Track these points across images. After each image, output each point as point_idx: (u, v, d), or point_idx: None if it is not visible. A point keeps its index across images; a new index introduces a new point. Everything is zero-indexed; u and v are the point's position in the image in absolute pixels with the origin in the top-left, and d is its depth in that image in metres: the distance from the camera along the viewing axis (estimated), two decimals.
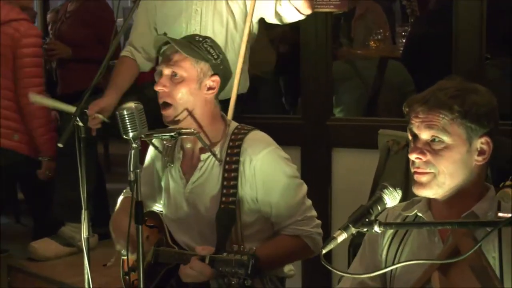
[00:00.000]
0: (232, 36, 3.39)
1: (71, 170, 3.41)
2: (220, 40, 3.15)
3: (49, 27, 5.48)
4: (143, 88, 3.48)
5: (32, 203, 4.50)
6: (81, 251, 2.61)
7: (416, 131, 2.01)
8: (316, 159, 3.91)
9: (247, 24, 3.28)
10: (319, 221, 2.62)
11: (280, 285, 2.70)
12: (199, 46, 2.55)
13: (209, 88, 2.56)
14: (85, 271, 2.59)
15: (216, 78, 2.57)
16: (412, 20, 4.72)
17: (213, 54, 2.57)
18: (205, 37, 2.63)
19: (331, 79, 3.93)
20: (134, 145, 2.27)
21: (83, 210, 2.59)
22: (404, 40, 4.58)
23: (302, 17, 3.36)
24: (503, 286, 1.72)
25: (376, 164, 3.11)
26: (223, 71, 2.60)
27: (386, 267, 2.08)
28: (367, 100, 4.44)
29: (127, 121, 2.27)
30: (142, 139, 2.33)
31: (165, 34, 2.65)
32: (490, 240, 1.91)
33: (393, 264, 2.07)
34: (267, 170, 2.53)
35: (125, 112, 2.28)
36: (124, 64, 3.46)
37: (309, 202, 2.62)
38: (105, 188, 4.55)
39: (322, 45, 3.87)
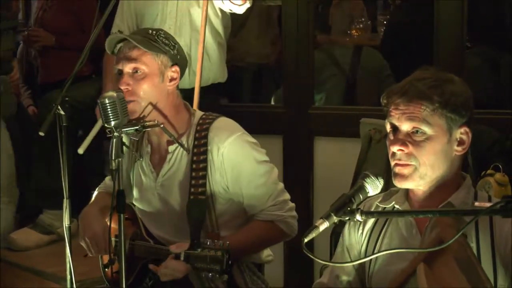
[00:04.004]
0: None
1: (48, 157, 3.41)
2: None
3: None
4: None
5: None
6: (62, 238, 2.61)
7: (396, 123, 2.00)
8: (298, 147, 3.92)
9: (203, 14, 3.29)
10: (292, 204, 2.61)
11: (259, 271, 2.70)
12: (155, 39, 2.54)
13: (171, 79, 2.56)
14: (67, 260, 2.58)
15: (176, 68, 2.57)
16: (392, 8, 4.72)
17: (169, 45, 2.57)
18: (158, 30, 2.62)
19: (312, 68, 3.93)
20: (115, 133, 2.26)
21: (64, 199, 2.59)
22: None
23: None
24: (487, 276, 1.72)
25: (358, 153, 3.12)
26: (180, 60, 2.60)
27: (366, 256, 2.09)
28: (345, 88, 4.43)
29: (109, 110, 2.26)
30: (107, 135, 2.30)
31: (120, 32, 2.65)
32: (467, 230, 1.91)
33: (372, 253, 2.08)
34: (235, 157, 2.52)
35: (106, 101, 2.27)
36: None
37: (280, 185, 2.62)
38: (86, 175, 4.53)
39: (303, 33, 3.87)
